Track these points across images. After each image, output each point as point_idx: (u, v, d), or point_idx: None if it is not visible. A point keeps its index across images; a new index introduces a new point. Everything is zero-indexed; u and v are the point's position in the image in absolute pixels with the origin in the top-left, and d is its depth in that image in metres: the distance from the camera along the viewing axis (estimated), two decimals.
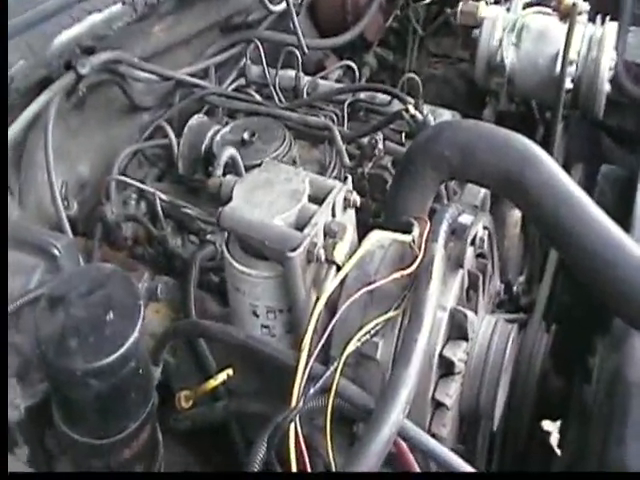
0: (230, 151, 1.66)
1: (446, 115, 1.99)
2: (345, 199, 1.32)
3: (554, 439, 1.71)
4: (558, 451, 1.66)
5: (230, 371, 1.27)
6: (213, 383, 1.27)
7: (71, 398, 1.07)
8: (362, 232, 1.30)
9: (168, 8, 1.98)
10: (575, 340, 1.68)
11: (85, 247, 1.63)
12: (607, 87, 2.05)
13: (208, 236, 1.64)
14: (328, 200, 1.28)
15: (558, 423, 1.69)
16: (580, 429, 1.45)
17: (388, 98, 2.01)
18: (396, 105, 1.94)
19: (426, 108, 1.89)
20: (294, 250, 1.17)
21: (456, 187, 1.74)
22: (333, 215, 1.29)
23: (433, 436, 1.17)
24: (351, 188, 1.35)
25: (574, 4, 2.06)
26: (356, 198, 1.34)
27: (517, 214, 1.89)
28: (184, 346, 1.44)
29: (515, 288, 1.84)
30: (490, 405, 1.29)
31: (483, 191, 1.71)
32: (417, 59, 2.69)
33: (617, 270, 1.20)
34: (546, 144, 2.03)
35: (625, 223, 1.42)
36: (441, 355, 1.22)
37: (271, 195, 1.28)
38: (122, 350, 1.04)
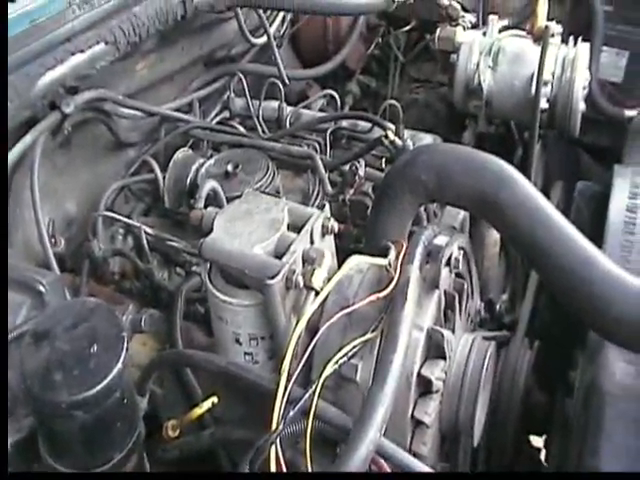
0: (211, 184, 1.68)
1: (427, 139, 2.00)
2: (323, 226, 1.35)
3: (543, 454, 1.73)
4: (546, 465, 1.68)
5: (215, 399, 1.28)
6: (198, 411, 1.28)
7: (56, 430, 1.08)
8: (343, 258, 1.31)
9: (151, 46, 1.99)
10: (557, 355, 1.70)
11: (73, 283, 1.65)
12: (582, 106, 2.08)
13: (194, 268, 1.67)
14: (306, 228, 1.31)
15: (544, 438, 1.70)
16: (561, 442, 1.47)
17: (369, 125, 2.04)
18: (377, 132, 1.95)
19: (407, 133, 1.91)
20: (273, 278, 1.20)
21: (436, 209, 1.76)
22: (311, 242, 1.32)
23: (414, 455, 1.19)
24: (329, 215, 1.38)
25: (547, 27, 2.10)
26: (334, 225, 1.37)
27: (495, 234, 1.91)
28: (171, 376, 1.45)
29: (498, 307, 1.85)
30: (469, 422, 1.31)
31: (462, 213, 1.73)
32: (399, 85, 2.73)
33: (593, 287, 1.20)
34: (525, 164, 2.09)
35: (599, 239, 1.45)
36: (419, 374, 1.24)
37: (251, 225, 1.31)
38: (106, 381, 1.05)
